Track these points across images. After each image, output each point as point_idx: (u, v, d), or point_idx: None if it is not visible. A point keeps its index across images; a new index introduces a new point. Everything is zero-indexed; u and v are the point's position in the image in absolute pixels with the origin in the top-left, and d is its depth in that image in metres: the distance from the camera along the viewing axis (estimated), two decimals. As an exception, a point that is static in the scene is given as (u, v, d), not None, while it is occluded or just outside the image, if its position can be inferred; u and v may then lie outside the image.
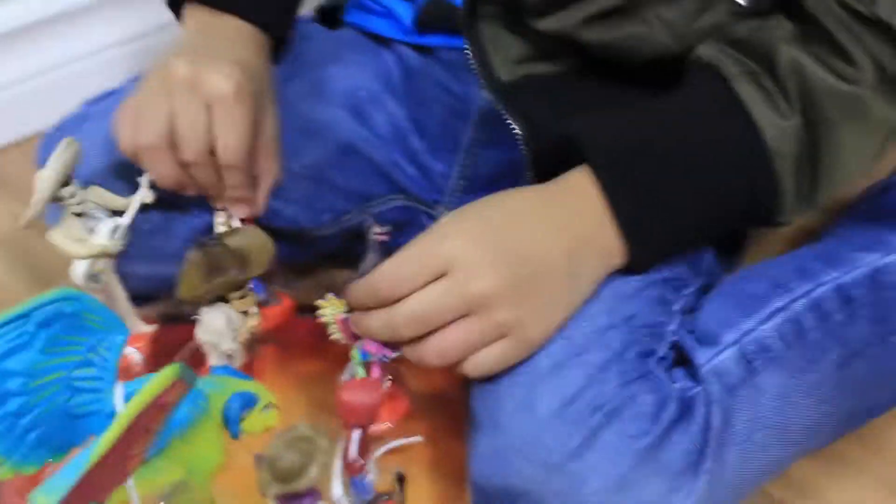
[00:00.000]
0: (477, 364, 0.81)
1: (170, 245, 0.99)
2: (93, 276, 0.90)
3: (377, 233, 0.90)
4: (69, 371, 0.68)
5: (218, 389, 0.77)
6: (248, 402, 0.78)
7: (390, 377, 0.92)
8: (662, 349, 0.85)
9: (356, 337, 0.85)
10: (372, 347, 0.84)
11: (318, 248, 1.12)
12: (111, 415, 0.70)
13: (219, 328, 0.89)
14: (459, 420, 0.93)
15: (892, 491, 0.97)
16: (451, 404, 0.96)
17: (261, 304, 0.93)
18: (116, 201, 0.92)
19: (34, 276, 1.30)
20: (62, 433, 0.69)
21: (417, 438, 0.91)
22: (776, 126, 0.81)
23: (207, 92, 0.88)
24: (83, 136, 0.94)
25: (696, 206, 0.84)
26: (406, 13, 1.10)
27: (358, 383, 0.79)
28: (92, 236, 0.90)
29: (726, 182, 0.83)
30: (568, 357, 0.81)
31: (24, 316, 0.66)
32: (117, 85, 1.10)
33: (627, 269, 0.85)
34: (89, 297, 0.68)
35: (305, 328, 0.97)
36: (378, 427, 0.91)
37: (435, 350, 0.80)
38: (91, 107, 1.07)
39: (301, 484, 0.72)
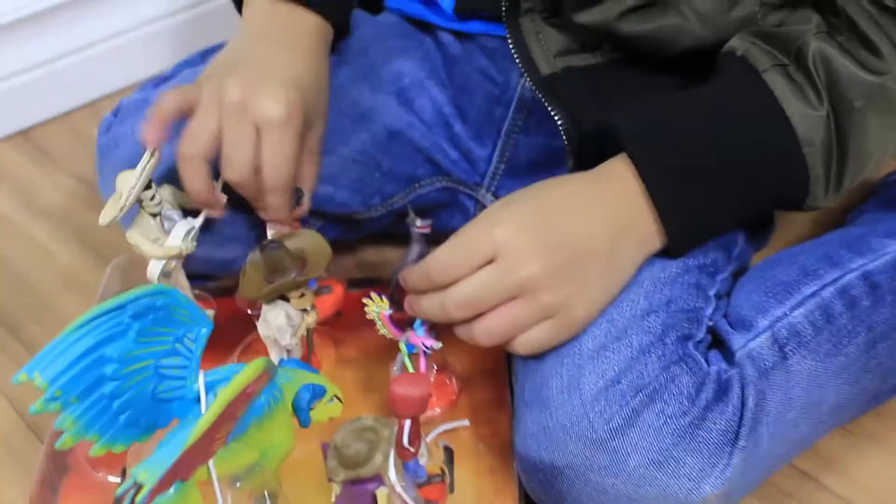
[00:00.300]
0: (524, 343, 0.84)
1: (228, 231, 1.02)
2: (165, 274, 0.92)
3: (419, 226, 0.93)
4: (158, 359, 0.72)
5: (290, 381, 0.80)
6: (317, 393, 0.81)
7: (436, 366, 0.96)
8: (699, 333, 0.88)
9: (401, 331, 0.89)
10: (417, 340, 0.88)
11: (363, 230, 1.16)
12: (193, 401, 0.75)
13: (279, 325, 0.91)
14: (499, 398, 0.97)
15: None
16: (491, 383, 0.99)
17: (314, 294, 0.94)
18: (189, 199, 0.94)
19: (83, 246, 1.32)
20: (148, 416, 0.73)
21: (465, 422, 0.94)
22: (806, 116, 0.84)
23: (258, 116, 0.89)
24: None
25: (731, 193, 0.87)
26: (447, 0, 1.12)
27: (408, 377, 0.81)
28: (167, 237, 0.92)
29: (759, 170, 0.86)
30: (610, 340, 0.85)
31: (120, 307, 0.69)
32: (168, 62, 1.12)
33: (665, 254, 0.88)
34: (178, 292, 0.72)
35: (353, 306, 1.00)
36: (429, 413, 0.95)
37: (484, 331, 0.84)
38: (152, 91, 1.10)
39: (367, 470, 0.75)
